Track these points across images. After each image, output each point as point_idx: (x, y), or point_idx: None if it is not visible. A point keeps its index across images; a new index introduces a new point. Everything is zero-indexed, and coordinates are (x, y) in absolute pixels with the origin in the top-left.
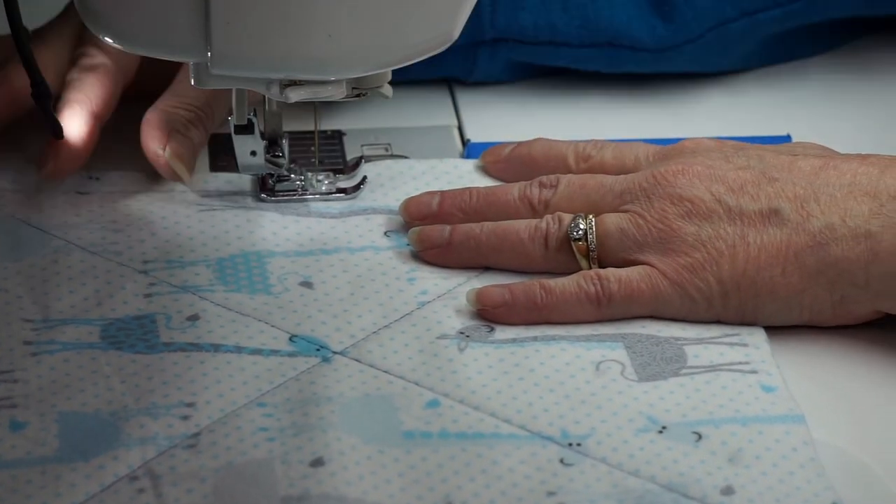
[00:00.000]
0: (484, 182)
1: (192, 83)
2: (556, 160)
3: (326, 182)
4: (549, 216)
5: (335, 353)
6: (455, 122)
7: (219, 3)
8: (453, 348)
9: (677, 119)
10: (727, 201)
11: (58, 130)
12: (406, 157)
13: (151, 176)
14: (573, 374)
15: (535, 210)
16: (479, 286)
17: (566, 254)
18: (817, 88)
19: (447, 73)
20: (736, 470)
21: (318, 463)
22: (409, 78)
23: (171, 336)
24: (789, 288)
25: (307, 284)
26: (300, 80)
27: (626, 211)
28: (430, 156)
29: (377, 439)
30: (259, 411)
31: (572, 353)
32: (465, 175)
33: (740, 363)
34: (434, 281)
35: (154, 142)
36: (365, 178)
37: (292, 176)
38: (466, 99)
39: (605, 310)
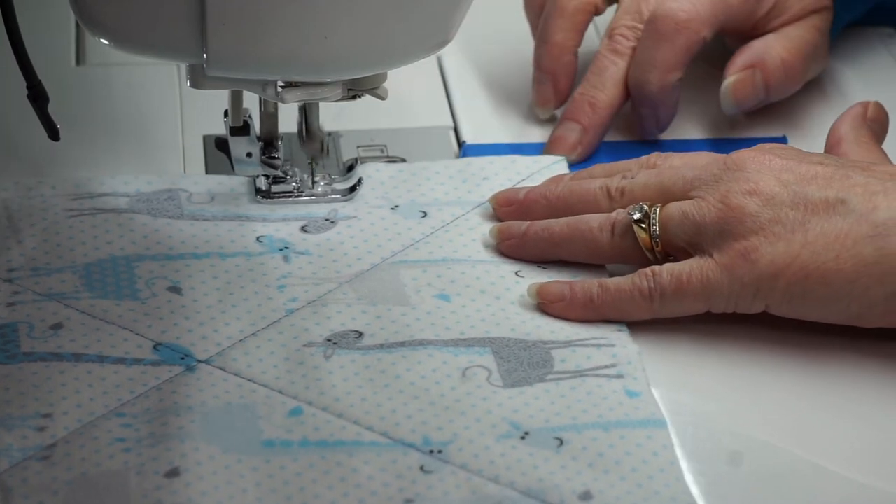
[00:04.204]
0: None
1: (188, 85)
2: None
3: (322, 184)
4: (620, 208)
5: (199, 361)
6: (451, 124)
7: (215, 4)
8: (319, 356)
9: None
10: (793, 188)
11: (54, 132)
12: (403, 159)
13: (19, 182)
14: (439, 380)
15: (611, 197)
16: (350, 291)
17: (630, 240)
18: (813, 88)
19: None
20: (595, 475)
21: (173, 473)
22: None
23: (33, 345)
24: (841, 275)
25: (175, 290)
26: (296, 82)
27: (692, 197)
28: (426, 157)
29: (236, 448)
30: (117, 421)
31: (439, 360)
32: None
33: (607, 366)
34: (304, 288)
35: None
36: (361, 179)
37: (288, 177)
38: (462, 100)
39: (658, 305)
